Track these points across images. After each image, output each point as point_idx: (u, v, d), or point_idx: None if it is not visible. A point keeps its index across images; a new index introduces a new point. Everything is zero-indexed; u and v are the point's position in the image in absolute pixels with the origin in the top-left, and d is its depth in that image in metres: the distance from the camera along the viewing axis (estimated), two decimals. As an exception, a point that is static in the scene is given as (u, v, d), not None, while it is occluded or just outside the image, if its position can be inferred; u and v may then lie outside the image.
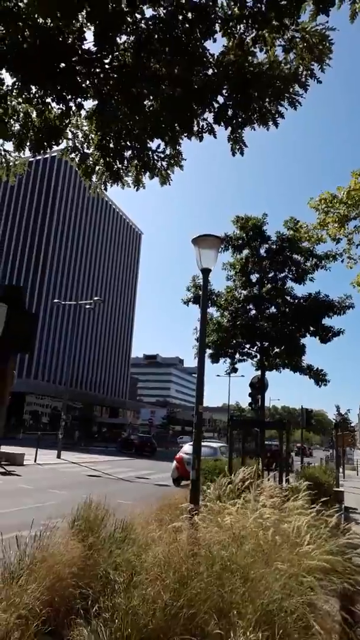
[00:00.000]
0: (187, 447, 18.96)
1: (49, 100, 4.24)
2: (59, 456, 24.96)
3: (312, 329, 11.70)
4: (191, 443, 20.82)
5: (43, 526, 4.66)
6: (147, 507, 6.52)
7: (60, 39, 3.97)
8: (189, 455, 15.95)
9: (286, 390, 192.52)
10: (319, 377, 11.84)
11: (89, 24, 3.88)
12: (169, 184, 4.54)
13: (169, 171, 4.47)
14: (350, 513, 11.65)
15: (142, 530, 5.09)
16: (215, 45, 3.82)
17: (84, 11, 3.75)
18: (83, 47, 4.06)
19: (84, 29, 4.00)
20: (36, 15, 3.70)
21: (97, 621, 3.30)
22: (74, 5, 3.55)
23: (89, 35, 3.96)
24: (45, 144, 4.50)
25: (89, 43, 4.01)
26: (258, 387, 12.04)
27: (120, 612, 3.28)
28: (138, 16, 3.80)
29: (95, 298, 36.38)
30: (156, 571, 3.75)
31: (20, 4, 3.69)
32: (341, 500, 11.18)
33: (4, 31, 3.88)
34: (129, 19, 3.81)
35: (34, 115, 4.54)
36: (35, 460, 21.12)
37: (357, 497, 16.48)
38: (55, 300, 41.25)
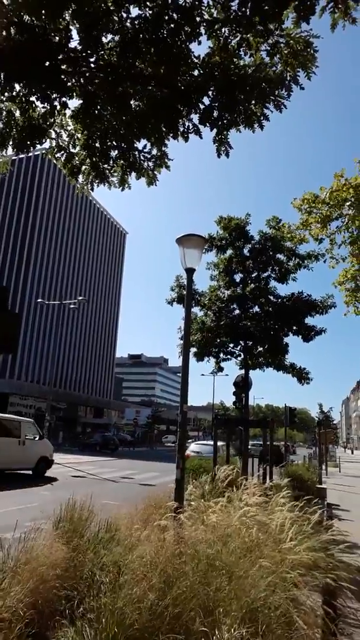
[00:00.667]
0: (194, 446, 20.82)
1: (33, 98, 4.21)
2: (42, 457, 24.69)
3: (295, 328, 11.81)
4: (198, 442, 20.97)
5: (27, 528, 4.63)
6: (132, 507, 6.52)
7: (46, 37, 3.95)
8: (195, 453, 16.73)
9: (270, 389, 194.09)
10: (301, 376, 11.97)
11: (74, 22, 3.86)
12: (156, 185, 4.54)
13: (155, 172, 4.47)
14: (332, 509, 11.79)
15: (128, 530, 5.09)
16: (201, 47, 3.84)
17: (70, 9, 3.73)
18: (69, 45, 4.04)
19: (70, 27, 3.98)
20: (22, 13, 3.67)
21: (82, 622, 3.29)
22: (60, 3, 3.53)
23: (75, 33, 3.95)
24: (28, 142, 4.47)
25: (75, 42, 3.99)
26: (242, 386, 12.12)
27: (106, 612, 3.27)
28: (124, 15, 3.80)
29: (80, 298, 36.15)
30: (142, 571, 3.76)
31: (5, 1, 3.65)
32: (324, 497, 11.32)
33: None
34: (115, 17, 3.81)
35: (17, 113, 4.49)
36: (18, 461, 20.84)
37: (340, 494, 16.72)
38: (39, 300, 40.91)
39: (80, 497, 5.68)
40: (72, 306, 37.78)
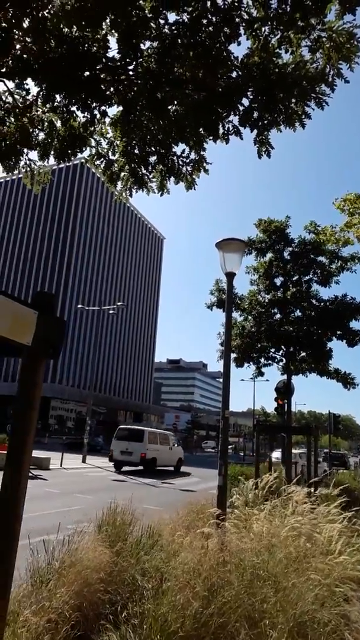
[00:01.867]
0: (275, 454, 21.48)
1: (73, 108, 4.30)
2: (84, 460, 25.16)
3: (338, 332, 11.51)
4: (277, 450, 21.51)
5: (70, 530, 4.69)
6: (173, 513, 6.49)
7: (85, 47, 4.02)
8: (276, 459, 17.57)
9: (313, 395, 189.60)
10: (347, 381, 11.62)
11: (113, 31, 3.92)
12: (194, 189, 4.53)
13: (194, 176, 4.46)
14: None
15: (170, 536, 5.06)
16: (240, 48, 3.79)
17: (108, 19, 3.79)
18: (107, 55, 4.10)
19: (108, 37, 4.04)
20: (61, 25, 3.75)
21: (125, 627, 3.28)
22: (98, 14, 3.59)
23: (113, 42, 4.01)
24: (69, 152, 4.56)
25: (113, 51, 4.04)
26: (284, 392, 11.89)
27: (149, 618, 3.25)
28: (161, 22, 3.81)
29: (119, 303, 36.69)
30: (185, 578, 3.72)
31: (47, 13, 3.74)
32: (372, 508, 10.88)
33: (30, 41, 3.94)
34: (152, 24, 3.83)
35: (58, 124, 4.60)
36: (61, 465, 21.33)
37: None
38: (79, 306, 41.73)
39: (121, 501, 5.70)
40: (111, 312, 38.40)
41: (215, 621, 3.27)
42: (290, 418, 11.83)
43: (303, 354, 11.89)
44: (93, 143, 4.84)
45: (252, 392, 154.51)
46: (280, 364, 12.23)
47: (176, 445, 24.60)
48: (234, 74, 3.67)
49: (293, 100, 3.58)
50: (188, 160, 4.38)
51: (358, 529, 5.08)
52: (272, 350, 12.09)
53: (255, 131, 3.73)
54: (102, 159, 4.78)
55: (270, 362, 12.31)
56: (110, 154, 4.75)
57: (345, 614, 3.66)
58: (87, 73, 4.09)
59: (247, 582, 3.71)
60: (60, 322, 1.92)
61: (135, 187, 4.68)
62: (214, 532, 4.94)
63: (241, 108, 3.67)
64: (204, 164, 4.38)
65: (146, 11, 3.75)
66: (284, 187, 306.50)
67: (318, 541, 4.56)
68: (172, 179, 4.48)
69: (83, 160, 5.16)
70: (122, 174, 4.73)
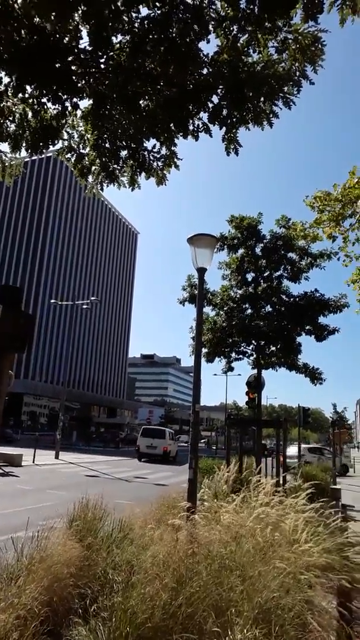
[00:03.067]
0: (292, 449, 26.76)
1: (44, 100, 4.24)
2: (57, 456, 24.94)
3: (307, 327, 11.74)
4: (294, 445, 23.97)
5: (41, 527, 4.67)
6: (145, 507, 6.53)
7: (57, 38, 3.97)
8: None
9: (283, 389, 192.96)
10: (314, 376, 11.88)
11: (84, 23, 3.88)
12: (165, 185, 4.54)
13: (164, 171, 4.47)
14: (347, 511, 11.67)
15: (141, 530, 5.10)
16: (210, 46, 3.82)
17: (80, 10, 3.75)
18: (79, 47, 4.06)
19: (80, 28, 4.00)
20: (32, 15, 3.70)
21: (95, 620, 3.31)
22: (70, 4, 3.55)
23: (85, 35, 3.97)
24: (41, 144, 4.50)
25: (85, 43, 4.01)
26: (255, 386, 12.07)
27: (118, 611, 3.28)
28: (134, 15, 3.80)
29: (92, 298, 36.34)
30: (155, 570, 3.76)
31: (15, 5, 3.68)
32: (338, 498, 11.19)
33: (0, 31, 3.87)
34: (124, 17, 3.81)
35: (29, 115, 4.53)
36: (33, 461, 21.08)
37: (354, 495, 16.53)
38: (52, 301, 41.22)
39: (93, 496, 5.71)
40: (84, 307, 38.00)
41: (183, 611, 3.32)
42: (260, 411, 12.03)
43: (273, 348, 12.09)
44: (65, 136, 4.79)
45: (224, 386, 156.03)
46: (251, 358, 12.40)
47: (174, 439, 32.16)
48: (205, 71, 3.70)
49: (262, 99, 3.64)
50: (159, 156, 4.39)
51: (324, 520, 5.24)
52: (243, 344, 12.24)
53: (224, 129, 3.77)
54: (73, 153, 4.74)
55: (241, 356, 12.47)
56: (81, 147, 4.72)
57: (309, 600, 3.78)
58: (58, 64, 4.04)
59: (215, 572, 3.79)
60: (28, 317, 1.92)
61: (106, 181, 4.66)
62: (184, 525, 5.01)
63: (211, 105, 3.71)
64: (175, 160, 4.40)
65: (119, 3, 3.73)
66: (258, 184, 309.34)
67: (284, 531, 4.69)
68: (142, 174, 4.48)
69: (55, 153, 5.11)
70: (93, 167, 4.70)
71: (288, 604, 3.45)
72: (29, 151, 4.71)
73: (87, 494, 5.76)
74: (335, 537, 5.07)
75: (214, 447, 55.22)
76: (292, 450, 26.32)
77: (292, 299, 12.15)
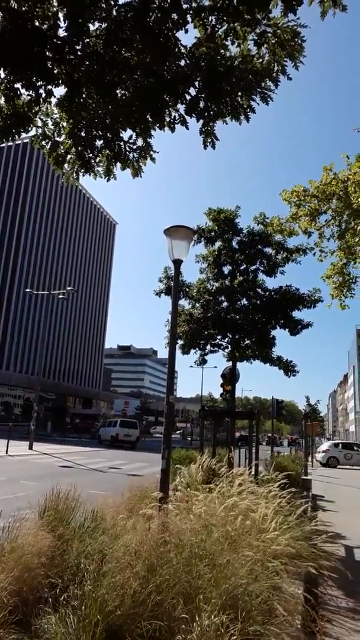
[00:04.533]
0: (325, 445, 31.09)
1: (17, 86, 4.15)
2: (30, 447, 24.71)
3: (282, 321, 11.88)
4: (335, 442, 27.16)
5: (13, 517, 4.64)
6: (118, 497, 6.55)
7: (33, 23, 3.88)
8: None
9: (258, 382, 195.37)
10: (288, 368, 12.07)
11: (61, 8, 3.80)
12: (141, 176, 4.51)
13: (140, 163, 4.44)
14: (317, 500, 11.98)
15: (113, 520, 5.12)
16: (188, 37, 3.80)
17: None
18: (58, 33, 3.98)
19: (58, 14, 3.92)
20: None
21: (65, 609, 3.32)
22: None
23: (62, 21, 3.89)
24: (13, 130, 4.41)
25: (62, 29, 3.93)
26: (229, 378, 12.19)
27: (89, 599, 3.31)
28: (111, 2, 3.75)
29: (68, 288, 35.93)
30: (126, 559, 3.79)
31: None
32: (309, 488, 11.48)
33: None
34: (102, 4, 3.75)
35: (1, 101, 4.43)
36: (6, 452, 20.84)
37: (325, 485, 16.97)
38: (27, 290, 40.48)
39: (66, 487, 5.69)
40: (60, 296, 37.53)
41: (153, 599, 3.37)
42: (234, 403, 12.17)
43: (248, 341, 12.21)
44: (39, 123, 4.70)
45: (200, 378, 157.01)
46: (226, 351, 12.50)
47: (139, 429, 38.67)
48: (182, 63, 3.68)
49: (239, 93, 3.64)
50: (135, 147, 4.36)
51: (294, 509, 5.37)
52: (219, 337, 12.32)
53: (201, 121, 3.76)
54: (48, 140, 4.66)
55: (216, 349, 12.54)
56: (56, 135, 4.64)
57: (276, 586, 3.89)
58: (33, 49, 3.95)
59: (185, 560, 3.84)
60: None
61: (81, 170, 4.60)
62: (155, 514, 5.06)
63: (188, 97, 3.69)
64: (151, 152, 4.37)
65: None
66: (236, 177, 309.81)
67: (254, 520, 4.79)
68: (118, 164, 4.44)
69: (31, 140, 5.00)
70: (69, 156, 4.63)
71: (255, 590, 3.54)
72: (0, 138, 4.60)
73: (60, 484, 5.74)
74: (304, 525, 5.21)
75: (189, 438, 55.65)
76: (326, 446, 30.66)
77: (267, 293, 12.27)
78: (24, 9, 3.82)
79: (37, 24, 3.90)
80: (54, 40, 3.93)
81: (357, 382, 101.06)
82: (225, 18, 3.38)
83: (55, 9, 3.89)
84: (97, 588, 3.39)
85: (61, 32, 3.84)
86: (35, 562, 4.06)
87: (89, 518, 5.26)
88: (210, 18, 3.47)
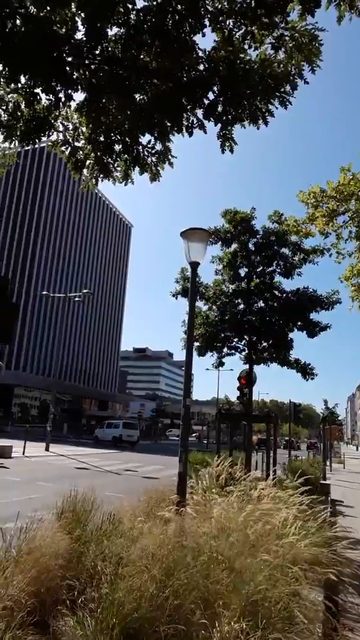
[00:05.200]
0: None
1: (37, 90, 4.19)
2: (47, 449, 24.93)
3: (299, 323, 11.76)
4: None
5: (30, 518, 4.67)
6: (135, 500, 6.56)
7: (52, 28, 3.92)
8: None
9: (276, 385, 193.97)
10: (306, 371, 11.93)
11: (79, 12, 3.84)
12: (159, 181, 4.51)
13: (159, 167, 4.44)
14: (336, 506, 11.82)
15: (130, 523, 5.12)
16: (206, 41, 3.79)
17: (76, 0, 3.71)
18: (75, 37, 4.02)
19: (76, 19, 3.95)
20: (28, 3, 3.65)
21: (82, 612, 3.33)
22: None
23: (81, 26, 3.92)
24: (34, 135, 4.46)
25: (80, 33, 3.96)
26: (247, 380, 12.11)
27: (106, 602, 3.31)
28: (129, 6, 3.77)
29: (85, 290, 36.19)
30: (143, 563, 3.79)
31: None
32: (327, 493, 11.35)
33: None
34: (120, 9, 3.78)
35: (22, 105, 4.48)
36: (23, 453, 21.06)
37: (343, 490, 16.72)
38: (44, 292, 40.97)
39: (83, 488, 5.71)
40: (77, 299, 37.85)
41: (170, 603, 3.35)
42: (251, 406, 12.09)
43: (265, 344, 12.10)
44: (61, 128, 4.74)
45: (216, 381, 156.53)
46: (243, 353, 12.42)
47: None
48: (201, 67, 3.67)
49: (258, 97, 3.62)
50: (153, 151, 4.36)
51: (312, 513, 5.30)
52: (235, 340, 12.25)
53: (219, 125, 3.75)
54: (67, 146, 4.69)
55: (233, 351, 12.47)
56: (75, 140, 4.67)
57: (296, 593, 3.83)
58: (53, 54, 4.00)
59: (203, 565, 3.82)
60: (11, 307, 1.89)
61: (100, 175, 4.62)
62: (173, 518, 5.04)
63: (206, 101, 3.68)
64: (169, 157, 4.37)
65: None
66: (252, 180, 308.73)
67: (273, 525, 4.74)
68: (137, 169, 4.45)
69: (49, 145, 5.05)
70: (87, 161, 4.66)
71: (275, 596, 3.49)
72: (21, 142, 4.66)
73: (77, 486, 5.77)
74: (323, 531, 5.14)
75: (205, 441, 55.48)
76: None
77: (284, 295, 12.16)
78: (42, 14, 3.86)
79: (55, 28, 3.94)
80: (73, 45, 3.97)
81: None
82: (242, 21, 3.36)
83: (73, 14, 3.92)
84: (114, 591, 3.39)
85: (80, 36, 3.87)
86: (52, 564, 4.08)
87: (106, 520, 5.27)
88: (227, 22, 3.46)
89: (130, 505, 6.11)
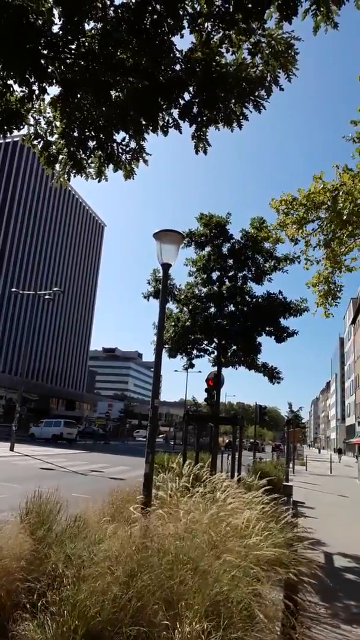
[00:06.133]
0: None
1: (10, 82, 4.10)
2: (12, 449, 24.40)
3: (268, 328, 11.93)
4: None
5: (-8, 520, 4.56)
6: (100, 501, 6.49)
7: (28, 19, 3.85)
8: None
9: (242, 387, 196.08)
10: (273, 375, 12.12)
11: (57, 5, 3.78)
12: (133, 178, 4.50)
13: (133, 165, 4.42)
14: (298, 507, 12.03)
15: (95, 524, 5.07)
16: (184, 42, 3.80)
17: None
18: (52, 30, 3.95)
19: (53, 11, 3.89)
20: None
21: (43, 615, 3.27)
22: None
23: (58, 18, 3.86)
24: (5, 127, 4.36)
25: (57, 26, 3.91)
26: (214, 383, 12.19)
27: (67, 605, 3.26)
28: (107, 2, 3.74)
29: (55, 288, 35.63)
30: (107, 564, 3.75)
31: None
32: (290, 495, 11.54)
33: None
34: (98, 4, 3.74)
35: (-6, 96, 4.37)
36: (-14, 453, 20.54)
37: (306, 492, 17.05)
38: (13, 289, 39.99)
39: (48, 489, 5.62)
40: (46, 297, 37.29)
41: (133, 605, 3.33)
42: (218, 408, 12.18)
43: (234, 347, 12.22)
44: (32, 121, 4.65)
45: (185, 383, 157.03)
46: (212, 356, 12.50)
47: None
48: (177, 67, 3.68)
49: (232, 100, 3.66)
50: (128, 149, 4.34)
51: (275, 514, 5.39)
52: (205, 342, 12.32)
53: (194, 126, 3.77)
54: (40, 140, 4.61)
55: (202, 354, 12.54)
56: (48, 134, 4.60)
57: (257, 593, 3.88)
58: (28, 46, 3.92)
59: (168, 565, 3.82)
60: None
61: (73, 171, 4.56)
62: (138, 519, 5.02)
63: (182, 102, 3.69)
64: (144, 155, 4.36)
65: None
66: (226, 182, 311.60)
67: (237, 526, 4.78)
68: (110, 166, 4.42)
69: (22, 138, 4.94)
70: (60, 156, 4.59)
71: (237, 596, 3.52)
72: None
73: (42, 487, 5.67)
74: (285, 532, 5.23)
75: (172, 442, 55.54)
76: None
77: (254, 300, 12.31)
78: (17, 2, 3.78)
79: (31, 19, 3.87)
80: (49, 37, 3.91)
81: (339, 390, 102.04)
82: (220, 25, 3.40)
83: (50, 5, 3.86)
84: (77, 593, 3.34)
85: (57, 30, 3.82)
86: (14, 566, 3.99)
87: (71, 522, 5.19)
88: (206, 25, 3.49)
89: (95, 506, 6.04)
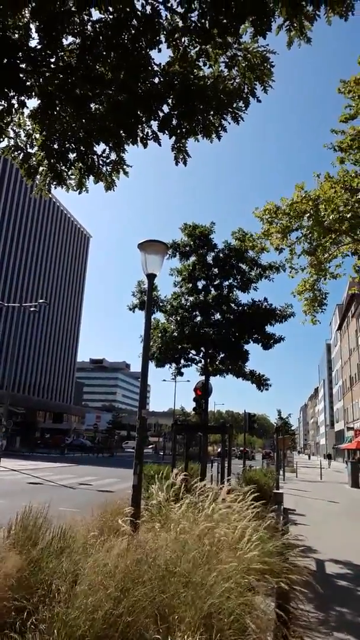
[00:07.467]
0: None
1: (-11, 96, 4.10)
2: (-2, 464, 24.00)
3: (255, 335, 11.98)
4: None
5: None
6: (89, 514, 6.41)
7: (5, 34, 3.86)
8: None
9: (231, 396, 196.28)
10: (261, 382, 12.15)
11: (34, 20, 3.81)
12: (114, 190, 4.51)
13: (113, 177, 4.44)
14: (288, 514, 12.02)
15: (84, 538, 5.00)
16: (162, 56, 3.86)
17: (30, 7, 3.68)
18: (29, 44, 3.97)
19: (30, 26, 3.92)
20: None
21: (33, 634, 3.20)
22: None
23: (35, 33, 3.89)
24: (-16, 140, 4.35)
25: (35, 41, 3.93)
26: (202, 392, 12.17)
27: (58, 622, 3.19)
28: (85, 17, 3.78)
29: (40, 300, 35.44)
30: (99, 579, 3.69)
31: None
32: (280, 502, 11.52)
33: None
34: (76, 19, 3.78)
35: (-28, 110, 4.36)
36: (-28, 469, 20.17)
37: (296, 499, 17.07)
38: (-3, 302, 39.67)
39: (36, 504, 5.53)
40: (32, 309, 36.99)
41: (124, 620, 3.28)
42: (207, 417, 12.15)
43: (221, 355, 12.24)
44: (12, 134, 4.65)
45: (173, 392, 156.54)
46: (200, 365, 12.50)
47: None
48: (156, 80, 3.73)
49: (211, 112, 3.71)
50: (108, 161, 4.36)
51: (266, 523, 5.37)
52: (192, 351, 12.31)
53: (173, 138, 3.81)
54: (20, 152, 4.61)
55: (189, 363, 12.52)
56: (28, 147, 4.60)
57: (249, 603, 3.85)
58: (5, 60, 3.93)
59: (160, 578, 3.78)
60: None
61: (54, 182, 4.57)
62: (128, 531, 4.96)
63: (161, 114, 3.73)
64: (124, 166, 4.39)
65: (70, 4, 3.69)
66: (210, 193, 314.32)
67: (228, 536, 4.75)
68: (91, 177, 4.43)
69: (1, 151, 4.93)
70: (41, 168, 4.60)
71: (229, 608, 3.50)
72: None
73: (30, 501, 5.58)
74: (276, 540, 5.21)
75: (162, 453, 55.18)
76: None
77: (240, 308, 12.36)
78: None
79: (8, 33, 3.89)
80: (27, 52, 3.93)
81: (327, 396, 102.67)
82: (197, 40, 3.46)
83: (26, 20, 3.88)
84: (68, 610, 3.28)
85: (35, 44, 3.84)
86: (1, 584, 3.91)
87: (59, 537, 5.11)
88: (183, 39, 3.54)
89: (84, 519, 5.96)
